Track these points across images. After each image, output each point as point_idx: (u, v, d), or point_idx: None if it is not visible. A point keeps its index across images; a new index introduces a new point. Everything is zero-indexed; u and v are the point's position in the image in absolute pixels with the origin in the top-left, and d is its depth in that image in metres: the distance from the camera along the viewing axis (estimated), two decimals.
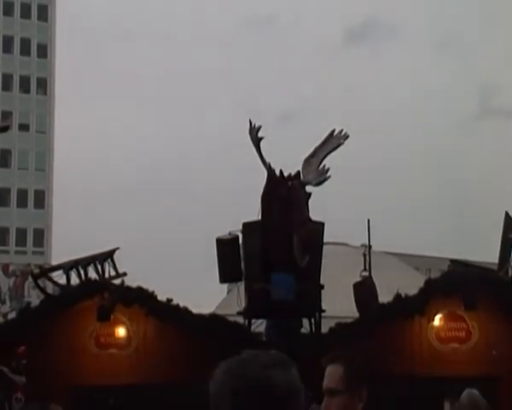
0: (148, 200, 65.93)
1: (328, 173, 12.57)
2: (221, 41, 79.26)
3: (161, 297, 12.30)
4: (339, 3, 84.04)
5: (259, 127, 12.35)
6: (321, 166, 12.67)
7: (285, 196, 12.17)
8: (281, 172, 12.46)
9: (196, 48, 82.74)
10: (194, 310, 12.45)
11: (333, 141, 12.95)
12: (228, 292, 25.98)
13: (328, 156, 12.91)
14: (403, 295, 12.00)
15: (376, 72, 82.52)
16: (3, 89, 58.45)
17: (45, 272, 14.24)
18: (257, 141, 12.36)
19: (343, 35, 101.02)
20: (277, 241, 12.21)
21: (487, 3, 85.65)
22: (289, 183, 12.37)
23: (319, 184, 12.55)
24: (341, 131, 13.15)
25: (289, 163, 13.00)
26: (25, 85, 59.30)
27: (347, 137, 12.97)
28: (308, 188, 12.65)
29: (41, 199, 58.12)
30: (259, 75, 79.59)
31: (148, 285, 12.50)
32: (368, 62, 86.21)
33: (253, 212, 12.67)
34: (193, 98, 75.38)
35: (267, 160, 12.49)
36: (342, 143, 12.91)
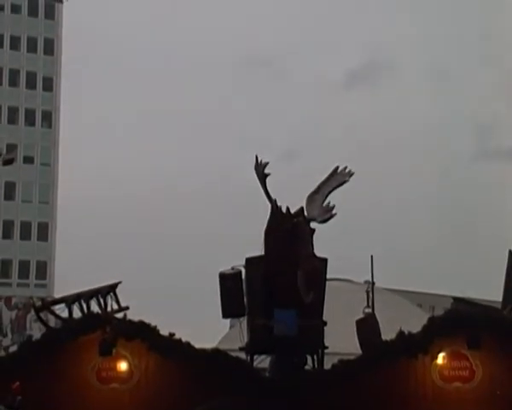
0: (151, 234, 66.00)
1: (334, 211, 12.61)
2: (222, 82, 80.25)
3: (164, 332, 12.27)
4: (338, 45, 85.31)
5: (266, 163, 12.45)
6: (326, 202, 12.73)
7: (290, 231, 12.20)
8: (287, 208, 12.53)
9: (196, 88, 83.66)
10: (197, 345, 12.40)
11: (337, 177, 13.04)
12: (230, 327, 25.86)
13: (332, 193, 12.99)
14: (406, 333, 11.96)
15: (376, 111, 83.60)
16: (9, 122, 59.00)
17: (47, 305, 14.19)
18: (263, 176, 12.45)
19: (343, 76, 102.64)
20: (281, 276, 12.22)
21: (485, 43, 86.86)
22: (294, 219, 12.42)
23: (325, 221, 12.59)
24: (345, 168, 13.25)
25: (293, 200, 13.10)
26: (30, 118, 59.89)
27: (352, 174, 13.06)
28: (312, 224, 12.70)
29: (44, 231, 58.17)
30: (261, 115, 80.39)
31: (151, 319, 12.49)
32: (368, 102, 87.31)
33: (256, 247, 12.70)
34: (194, 138, 76.26)
35: (272, 196, 12.59)
36: (347, 181, 13.00)
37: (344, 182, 12.99)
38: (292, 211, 12.67)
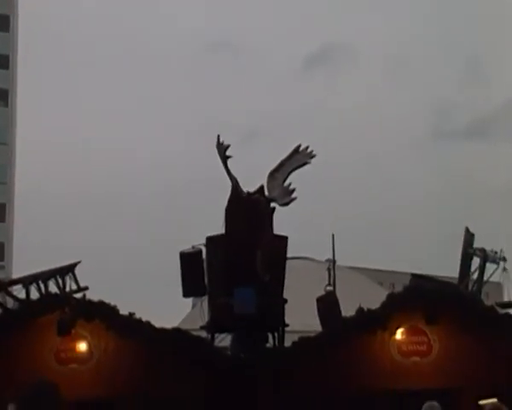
0: (109, 213, 65.44)
1: (295, 194, 12.63)
2: (182, 68, 79.76)
3: (124, 311, 12.16)
4: (297, 30, 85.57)
5: (228, 146, 12.40)
6: (286, 183, 12.72)
7: (248, 211, 12.20)
8: (247, 192, 12.51)
9: (156, 74, 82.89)
10: (159, 325, 12.33)
11: (298, 157, 13.04)
12: (193, 307, 25.82)
13: (296, 172, 12.98)
14: (365, 310, 12.09)
15: (335, 92, 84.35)
16: None
17: (4, 286, 13.91)
18: (224, 157, 12.41)
19: (302, 60, 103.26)
20: (240, 255, 12.21)
21: (441, 26, 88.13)
22: (253, 197, 12.42)
23: (286, 204, 12.60)
24: (307, 148, 13.24)
25: (254, 179, 13.09)
26: None
27: (313, 156, 13.07)
28: (273, 204, 12.68)
29: (2, 213, 57.09)
30: (222, 98, 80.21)
31: (111, 300, 12.36)
32: (327, 84, 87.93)
33: (217, 226, 12.66)
34: (158, 119, 75.59)
35: (234, 175, 12.54)
36: (309, 162, 13.02)
37: (305, 163, 13.00)
38: (253, 189, 12.65)
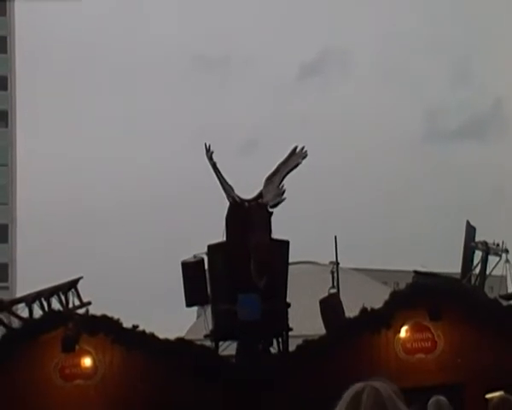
0: (110, 227, 65.61)
1: (284, 195, 12.66)
2: (178, 81, 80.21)
3: (128, 324, 12.14)
4: (291, 41, 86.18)
5: (212, 151, 12.45)
6: (280, 186, 12.75)
7: (246, 218, 12.23)
8: (240, 197, 12.55)
9: (151, 88, 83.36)
10: (164, 336, 12.31)
11: (293, 158, 13.07)
12: (197, 317, 25.79)
13: (295, 177, 13.03)
14: (368, 309, 12.06)
15: (329, 102, 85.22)
16: None
17: (7, 305, 13.93)
18: (212, 164, 12.47)
19: (297, 70, 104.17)
20: (240, 262, 12.21)
21: (431, 28, 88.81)
22: (246, 204, 12.45)
23: (275, 206, 12.63)
24: (303, 148, 13.27)
25: (255, 187, 13.14)
26: None
27: (306, 156, 13.10)
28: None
29: (4, 233, 57.15)
30: (218, 109, 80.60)
31: (114, 313, 12.35)
32: (321, 91, 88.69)
33: (218, 234, 12.67)
34: (152, 138, 76.01)
35: (231, 183, 12.58)
36: (300, 163, 13.04)
37: (297, 164, 13.02)
38: (252, 196, 12.67)
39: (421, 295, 12.00)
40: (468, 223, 13.77)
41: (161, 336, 12.14)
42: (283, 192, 12.64)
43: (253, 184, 13.32)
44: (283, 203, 12.88)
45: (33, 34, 61.51)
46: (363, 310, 12.10)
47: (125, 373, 11.90)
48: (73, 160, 68.31)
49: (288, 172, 12.93)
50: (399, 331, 12.05)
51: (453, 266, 14.83)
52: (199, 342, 12.85)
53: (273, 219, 12.72)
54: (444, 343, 11.98)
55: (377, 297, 14.04)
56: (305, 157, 13.05)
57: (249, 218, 12.22)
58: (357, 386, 2.31)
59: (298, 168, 13.19)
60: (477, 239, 13.44)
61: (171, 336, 12.75)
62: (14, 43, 59.98)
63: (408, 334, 12.08)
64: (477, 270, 13.29)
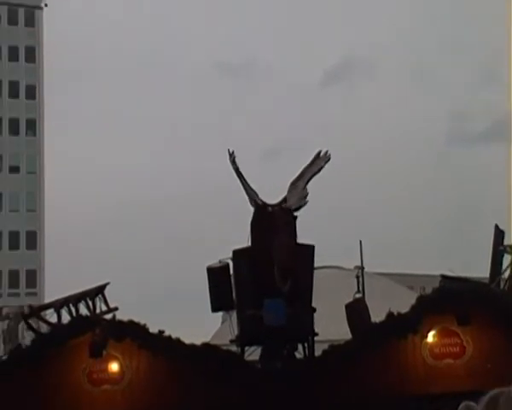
0: (137, 233, 66.10)
1: (307, 198, 12.64)
2: (200, 87, 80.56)
3: (154, 330, 12.21)
4: (314, 47, 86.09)
5: (234, 156, 12.49)
6: (304, 190, 12.74)
7: (267, 223, 12.24)
8: (264, 202, 12.57)
9: (174, 93, 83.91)
10: (189, 341, 12.35)
11: (317, 162, 13.05)
12: (222, 322, 25.82)
13: (321, 182, 13.01)
14: (395, 314, 11.96)
15: (354, 108, 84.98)
16: None
17: (36, 311, 14.11)
18: (235, 168, 12.50)
19: (321, 76, 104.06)
20: (265, 267, 12.21)
21: (455, 31, 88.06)
22: (270, 208, 12.47)
23: (298, 209, 12.61)
24: (326, 152, 13.24)
25: (278, 194, 13.15)
26: (14, 127, 59.51)
27: (329, 159, 13.07)
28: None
29: (33, 240, 57.93)
30: (241, 116, 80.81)
31: (140, 319, 12.42)
32: (345, 100, 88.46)
33: (244, 239, 12.68)
34: (176, 143, 76.53)
35: (255, 188, 12.60)
36: (323, 166, 13.00)
37: (321, 168, 13.00)
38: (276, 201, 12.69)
39: (449, 299, 11.87)
40: (496, 227, 13.59)
41: (187, 341, 12.18)
42: (306, 195, 12.62)
43: (277, 190, 13.34)
44: (308, 208, 12.88)
45: (61, 44, 62.37)
46: (390, 315, 12.00)
47: (151, 378, 11.95)
48: (101, 166, 69.01)
49: (311, 177, 12.91)
50: (426, 336, 11.92)
51: (482, 271, 14.65)
52: (224, 348, 12.86)
53: (298, 223, 12.71)
54: (473, 349, 11.82)
55: (403, 302, 13.93)
56: (328, 161, 13.03)
57: (273, 222, 12.22)
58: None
59: (323, 173, 13.19)
60: (506, 243, 13.27)
61: (197, 341, 12.80)
62: (42, 52, 60.90)
63: (435, 339, 11.94)
64: (506, 274, 13.12)
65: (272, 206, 12.61)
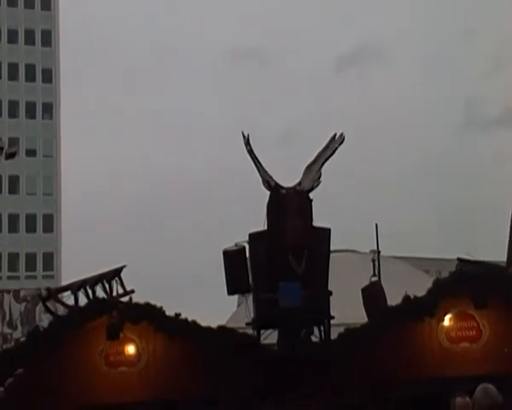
0: (151, 216, 66.36)
1: (320, 179, 12.58)
2: (215, 74, 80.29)
3: (170, 312, 12.26)
4: (328, 32, 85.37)
5: (248, 138, 12.44)
6: (318, 172, 12.68)
7: (281, 206, 12.21)
8: (277, 183, 12.53)
9: (188, 81, 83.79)
10: (206, 324, 12.39)
11: (331, 146, 12.97)
12: (238, 305, 25.92)
13: (337, 166, 12.93)
14: (411, 297, 11.92)
15: (367, 94, 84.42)
16: (10, 115, 58.95)
17: (53, 293, 14.20)
18: (249, 150, 12.44)
19: (333, 62, 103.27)
20: (281, 250, 12.19)
21: (469, 22, 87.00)
22: (284, 191, 12.43)
23: (311, 190, 12.56)
24: (341, 134, 13.16)
25: (292, 179, 13.09)
26: (31, 111, 59.80)
27: (343, 140, 12.98)
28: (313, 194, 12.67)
29: (50, 223, 58.38)
30: (255, 102, 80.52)
31: (157, 301, 12.48)
32: (359, 86, 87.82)
33: (261, 222, 12.67)
34: (191, 130, 76.56)
35: (270, 172, 12.56)
36: (337, 147, 12.92)
37: (335, 149, 12.92)
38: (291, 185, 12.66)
39: (465, 283, 11.80)
40: None
41: (203, 324, 12.23)
42: (319, 177, 12.56)
43: (291, 175, 13.30)
44: (324, 192, 12.83)
45: (77, 27, 62.40)
46: (406, 298, 11.96)
47: (167, 361, 12.03)
48: (116, 150, 69.24)
49: (326, 160, 12.84)
50: (443, 320, 11.88)
51: (498, 255, 14.54)
52: (240, 331, 12.90)
53: (314, 207, 12.67)
54: (489, 332, 11.77)
55: (419, 286, 13.88)
56: (342, 142, 12.93)
57: (286, 204, 12.19)
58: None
59: (339, 158, 13.11)
60: None
61: (213, 324, 12.86)
62: (58, 36, 60.96)
63: (452, 322, 11.90)
64: None
65: (286, 188, 12.58)
